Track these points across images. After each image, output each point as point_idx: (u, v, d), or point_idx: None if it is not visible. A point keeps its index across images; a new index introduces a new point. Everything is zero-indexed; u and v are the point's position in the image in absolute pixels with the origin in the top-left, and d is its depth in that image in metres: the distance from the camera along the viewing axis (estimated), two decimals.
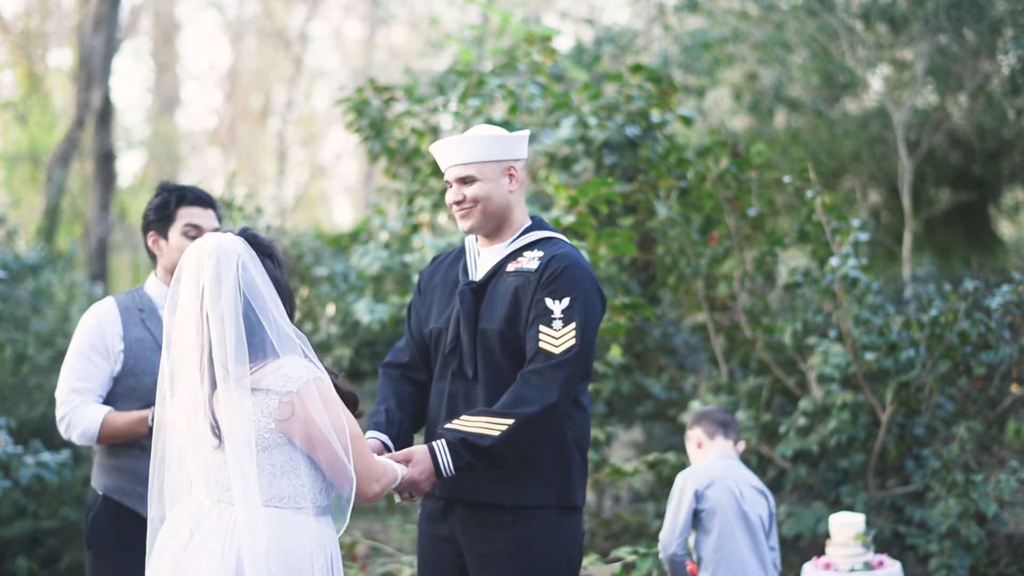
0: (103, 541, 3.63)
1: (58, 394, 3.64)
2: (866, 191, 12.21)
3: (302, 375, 2.64)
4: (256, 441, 2.62)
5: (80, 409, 3.58)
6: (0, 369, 6.92)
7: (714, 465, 4.20)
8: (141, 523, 2.89)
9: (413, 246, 6.46)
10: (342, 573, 2.78)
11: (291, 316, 2.76)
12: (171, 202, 3.72)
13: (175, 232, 3.71)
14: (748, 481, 4.20)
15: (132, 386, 3.63)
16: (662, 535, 4.18)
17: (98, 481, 3.70)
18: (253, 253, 2.70)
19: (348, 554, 5.58)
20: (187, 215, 3.71)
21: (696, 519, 4.13)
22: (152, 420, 3.38)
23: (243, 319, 2.63)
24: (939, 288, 6.64)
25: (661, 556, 4.19)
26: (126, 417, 3.55)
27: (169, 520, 2.73)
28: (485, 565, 3.24)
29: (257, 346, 2.64)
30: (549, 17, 14.40)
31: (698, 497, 4.11)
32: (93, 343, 3.63)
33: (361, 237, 7.50)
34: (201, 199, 3.75)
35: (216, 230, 3.69)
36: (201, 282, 2.65)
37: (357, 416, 2.79)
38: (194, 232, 3.69)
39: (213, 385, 2.64)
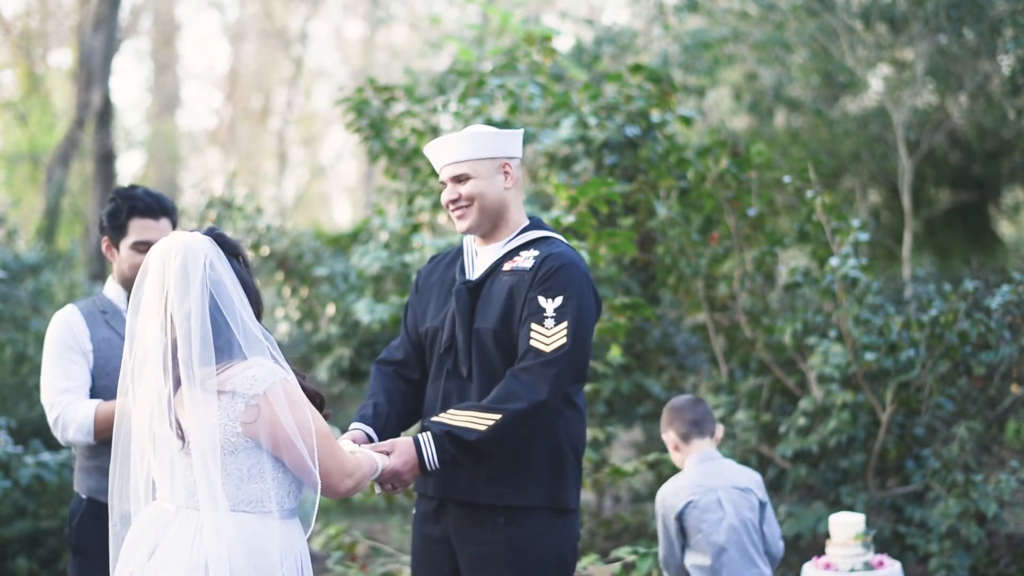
0: (90, 545, 3.56)
1: (46, 399, 3.60)
2: (866, 191, 12.22)
3: (268, 377, 2.59)
4: (223, 445, 2.58)
5: (71, 407, 3.55)
6: (0, 369, 6.93)
7: (689, 478, 4.02)
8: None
9: (413, 246, 6.46)
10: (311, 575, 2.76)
11: (259, 316, 2.72)
12: (123, 212, 3.67)
13: (126, 246, 3.68)
14: (731, 483, 4.01)
15: (106, 385, 3.60)
16: (660, 554, 4.13)
17: (81, 484, 3.66)
18: (220, 252, 2.66)
19: (348, 554, 5.58)
20: (138, 230, 3.66)
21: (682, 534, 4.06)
22: None
23: (209, 319, 2.58)
24: (939, 288, 6.64)
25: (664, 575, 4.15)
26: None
27: (134, 527, 2.70)
28: (477, 566, 3.22)
29: (223, 347, 2.60)
30: (549, 17, 14.40)
31: (678, 517, 4.03)
32: (68, 343, 3.62)
33: (361, 237, 7.50)
34: (152, 209, 3.67)
35: None
36: (166, 281, 2.60)
37: (324, 417, 2.75)
38: (144, 248, 3.62)
39: (177, 385, 2.60)
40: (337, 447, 2.73)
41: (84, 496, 3.64)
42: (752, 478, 4.08)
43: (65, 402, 3.56)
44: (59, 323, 3.67)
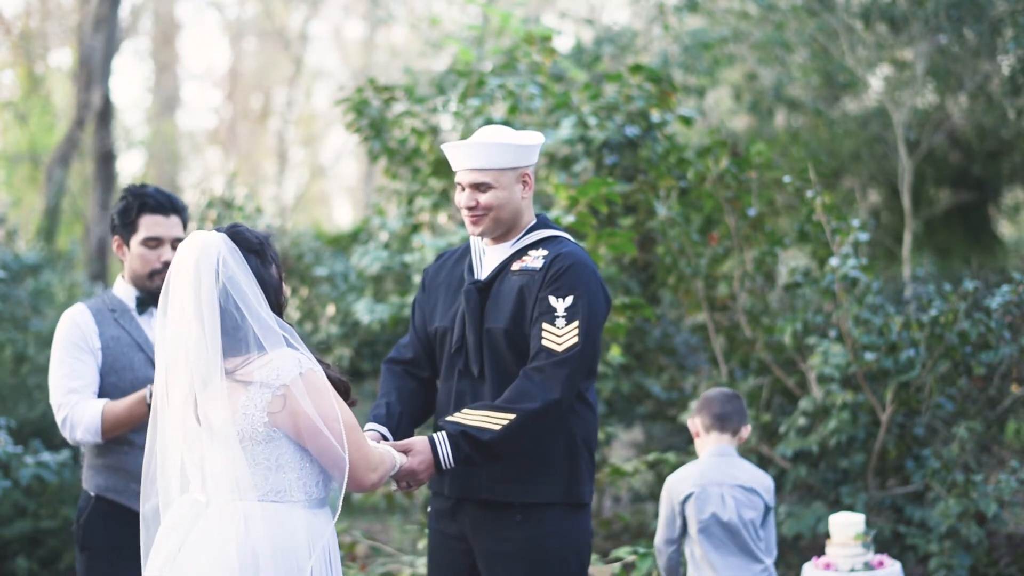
0: (98, 542, 3.64)
1: (54, 399, 3.63)
2: (866, 191, 12.22)
3: (292, 367, 2.65)
4: (250, 436, 2.64)
5: (79, 407, 3.58)
6: (0, 369, 6.93)
7: (699, 467, 4.08)
8: (136, 521, 2.89)
9: (413, 246, 6.46)
10: (339, 565, 2.79)
11: (281, 311, 2.77)
12: (133, 209, 3.71)
13: (136, 242, 3.71)
14: (736, 481, 4.05)
15: (115, 383, 3.64)
16: (656, 540, 4.16)
17: (90, 482, 3.69)
18: (235, 248, 2.71)
19: (348, 554, 5.58)
20: (148, 226, 3.70)
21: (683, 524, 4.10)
22: (151, 397, 3.38)
23: (224, 314, 2.65)
24: (939, 288, 6.64)
25: (658, 561, 4.17)
26: (124, 402, 3.55)
27: (168, 518, 2.74)
28: (495, 564, 3.26)
29: (240, 340, 2.66)
30: (549, 17, 14.39)
31: (682, 504, 4.07)
32: (76, 342, 3.65)
33: (361, 237, 7.51)
34: (162, 205, 3.72)
35: (177, 239, 3.71)
36: (186, 280, 2.67)
37: (350, 405, 2.80)
38: (154, 244, 3.70)
39: (201, 381, 2.66)
40: (363, 440, 2.77)
41: (92, 493, 3.68)
42: (762, 482, 4.11)
43: (72, 402, 3.59)
44: (67, 321, 3.70)
